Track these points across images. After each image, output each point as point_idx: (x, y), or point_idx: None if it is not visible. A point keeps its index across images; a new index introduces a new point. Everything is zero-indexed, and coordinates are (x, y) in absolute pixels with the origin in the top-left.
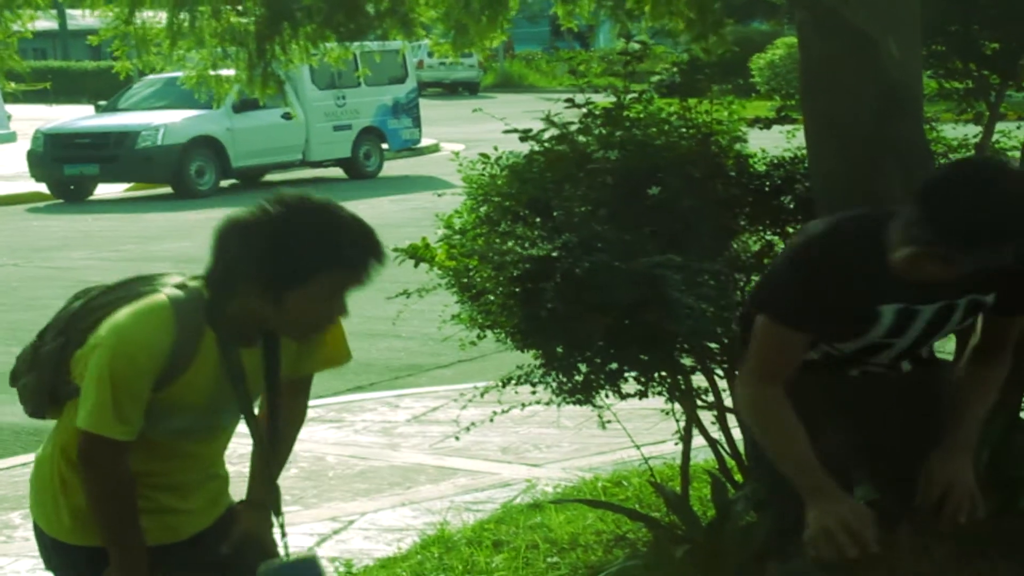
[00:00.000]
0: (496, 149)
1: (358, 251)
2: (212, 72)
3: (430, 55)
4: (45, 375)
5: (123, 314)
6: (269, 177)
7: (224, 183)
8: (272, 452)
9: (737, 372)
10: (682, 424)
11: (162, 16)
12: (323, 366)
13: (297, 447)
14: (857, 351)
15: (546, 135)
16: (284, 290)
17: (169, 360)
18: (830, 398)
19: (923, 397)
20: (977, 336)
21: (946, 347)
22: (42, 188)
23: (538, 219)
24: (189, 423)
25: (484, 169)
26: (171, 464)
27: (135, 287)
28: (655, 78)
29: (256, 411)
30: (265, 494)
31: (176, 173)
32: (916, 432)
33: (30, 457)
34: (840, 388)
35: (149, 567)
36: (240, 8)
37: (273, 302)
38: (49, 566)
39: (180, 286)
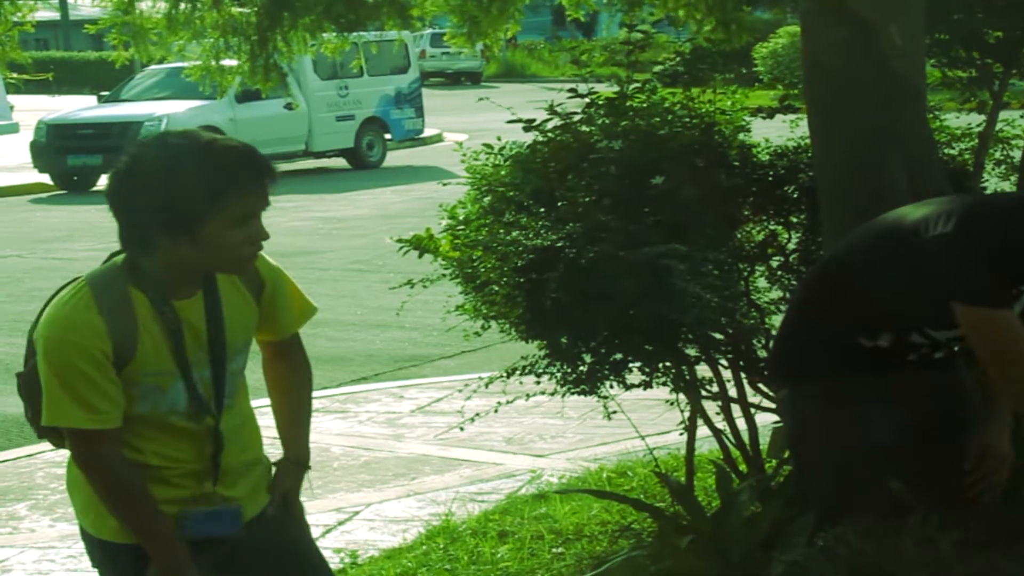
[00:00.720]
0: (499, 139)
1: (252, 169)
2: (215, 63)
3: (432, 45)
4: (39, 401)
5: (48, 309)
6: None
7: None
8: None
9: (768, 360)
10: (687, 414)
11: (162, 6)
12: (299, 321)
13: None
14: (952, 338)
15: (549, 125)
16: (197, 225)
17: (111, 336)
18: (886, 386)
19: (959, 382)
20: None
21: None
22: (45, 179)
23: (542, 209)
24: (176, 392)
25: (488, 159)
26: (197, 446)
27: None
28: (658, 68)
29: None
30: (300, 449)
31: None
32: (954, 416)
33: (34, 448)
34: (897, 375)
35: (198, 554)
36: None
37: (191, 241)
38: (95, 564)
39: (102, 265)
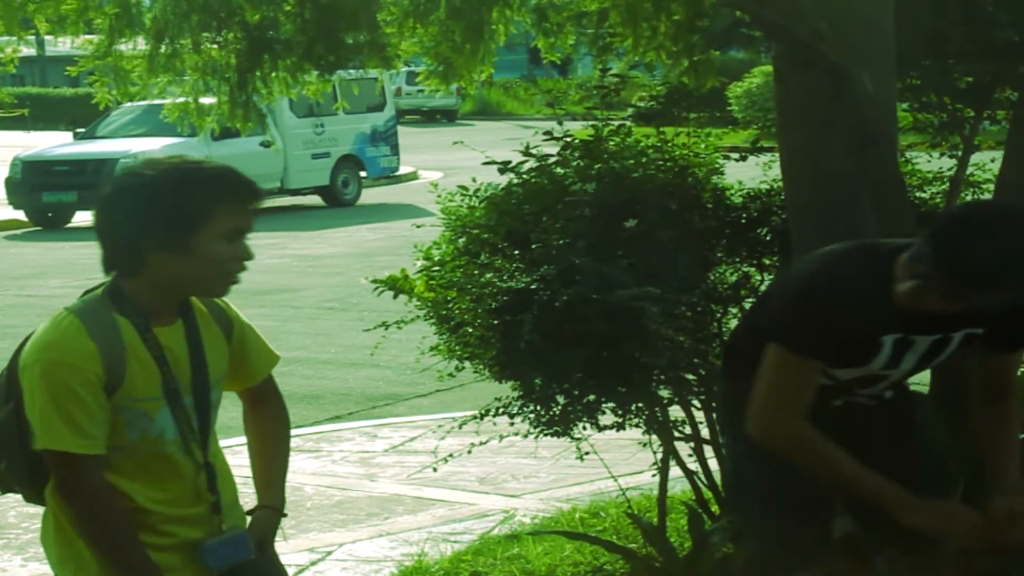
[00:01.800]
0: (474, 180)
1: (242, 185)
2: (193, 104)
3: (408, 82)
4: (16, 451)
5: (35, 336)
6: None
7: None
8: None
9: (716, 406)
10: (659, 455)
11: (141, 45)
12: (268, 366)
13: None
14: (852, 380)
15: (525, 167)
16: (189, 236)
17: (103, 360)
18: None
19: (901, 425)
20: (982, 377)
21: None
22: (20, 215)
23: (516, 251)
24: (164, 418)
25: (463, 201)
26: (177, 486)
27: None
28: (631, 109)
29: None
30: (276, 495)
31: None
32: (893, 458)
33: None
34: (823, 419)
35: None
36: (220, 41)
37: (184, 255)
38: None
39: (80, 299)
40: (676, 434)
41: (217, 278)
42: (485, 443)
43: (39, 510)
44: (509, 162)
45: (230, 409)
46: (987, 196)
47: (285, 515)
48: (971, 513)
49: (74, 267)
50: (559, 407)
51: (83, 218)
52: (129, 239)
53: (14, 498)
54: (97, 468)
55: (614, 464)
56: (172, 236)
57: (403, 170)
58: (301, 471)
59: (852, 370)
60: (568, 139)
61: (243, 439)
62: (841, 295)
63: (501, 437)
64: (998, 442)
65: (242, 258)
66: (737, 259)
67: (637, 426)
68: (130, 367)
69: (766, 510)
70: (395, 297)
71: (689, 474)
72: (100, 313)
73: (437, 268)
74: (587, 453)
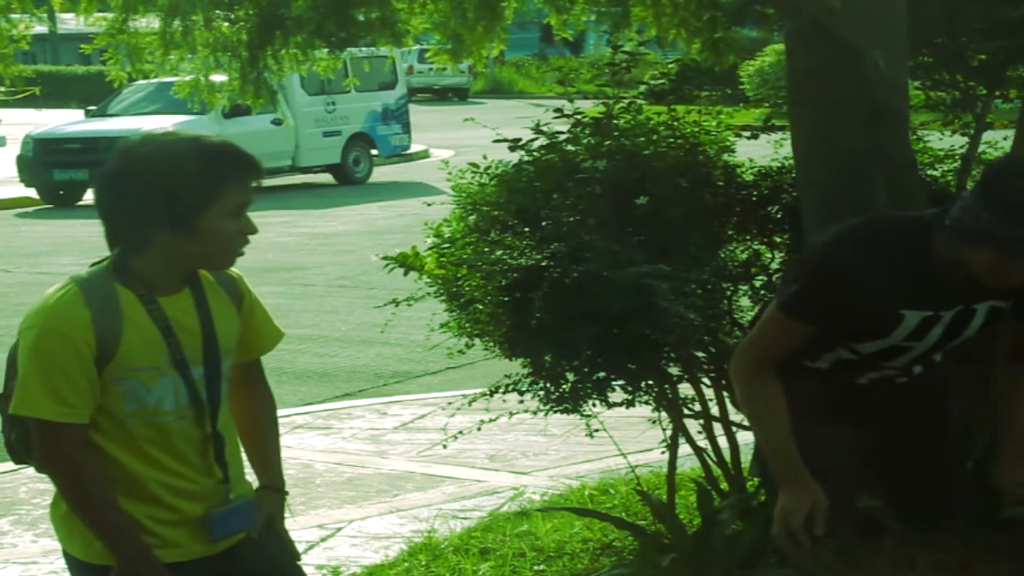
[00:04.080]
0: (485, 158)
1: (244, 160)
2: (204, 81)
3: (420, 61)
4: (19, 426)
5: (33, 306)
6: None
7: None
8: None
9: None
10: (668, 433)
11: (155, 23)
12: (271, 342)
13: (285, 454)
14: (875, 353)
15: (535, 144)
16: (196, 216)
17: (95, 327)
18: (838, 406)
19: (931, 401)
20: (1009, 341)
21: None
22: (31, 193)
23: (527, 228)
24: (162, 388)
25: (473, 178)
26: (188, 459)
27: None
28: (643, 87)
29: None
30: (276, 475)
31: None
32: (921, 436)
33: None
34: (849, 396)
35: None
36: (232, 17)
37: (188, 234)
38: None
39: (83, 272)
40: (686, 411)
41: (223, 254)
42: (495, 420)
43: (50, 486)
44: (520, 140)
45: None
46: None
47: (287, 493)
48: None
49: (85, 245)
50: (569, 384)
51: None
52: (133, 220)
53: (25, 474)
54: (76, 437)
55: (623, 441)
56: (177, 217)
57: (414, 148)
58: (311, 448)
59: (874, 343)
60: (579, 117)
61: None
62: (852, 269)
63: (511, 414)
64: (1011, 400)
65: (247, 232)
66: (748, 237)
67: (647, 403)
68: (127, 337)
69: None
70: (405, 274)
71: (698, 451)
72: (101, 283)
73: (447, 245)
74: (597, 430)
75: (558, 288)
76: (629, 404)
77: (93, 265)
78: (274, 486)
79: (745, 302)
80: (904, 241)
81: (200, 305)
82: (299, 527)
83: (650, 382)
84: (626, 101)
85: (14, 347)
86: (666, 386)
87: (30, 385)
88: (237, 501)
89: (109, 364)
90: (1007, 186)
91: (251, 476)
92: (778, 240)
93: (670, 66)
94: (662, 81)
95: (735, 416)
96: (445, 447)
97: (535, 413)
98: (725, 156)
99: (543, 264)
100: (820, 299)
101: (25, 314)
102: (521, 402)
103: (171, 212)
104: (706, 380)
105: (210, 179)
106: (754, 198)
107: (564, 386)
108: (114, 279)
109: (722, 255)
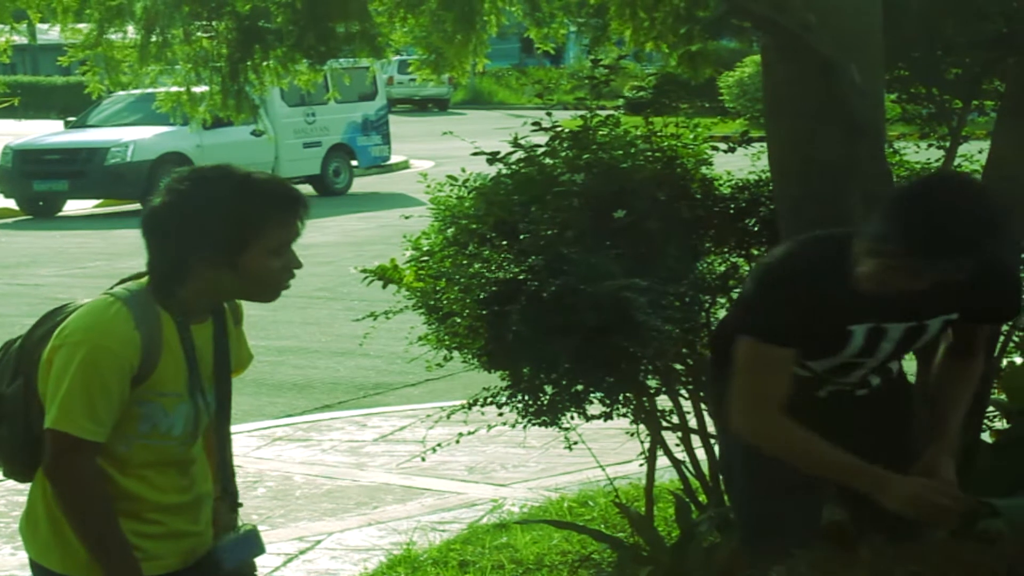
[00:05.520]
0: (464, 171)
1: (291, 201)
2: (186, 95)
3: (400, 71)
4: (18, 425)
5: (79, 315)
6: None
7: None
8: (222, 436)
9: (704, 396)
10: (647, 445)
11: (132, 34)
12: (245, 364)
13: (264, 466)
14: (828, 370)
15: (513, 158)
16: (239, 255)
17: (143, 351)
18: (799, 420)
19: (892, 412)
20: (949, 338)
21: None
22: (11, 204)
23: (505, 241)
24: (178, 415)
25: (452, 191)
26: (173, 477)
27: (71, 307)
28: (621, 100)
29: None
30: (231, 485)
31: (146, 190)
32: (886, 447)
33: (7, 483)
34: (808, 409)
35: None
36: (212, 31)
37: (231, 270)
38: None
39: (121, 286)
40: (664, 424)
41: (265, 289)
42: (474, 432)
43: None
44: (498, 153)
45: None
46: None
47: (240, 504)
48: (954, 487)
49: (65, 255)
50: (547, 397)
51: (74, 207)
52: (175, 255)
53: (4, 487)
54: (93, 453)
55: (602, 454)
56: (220, 255)
57: (394, 159)
58: (291, 460)
59: (826, 360)
60: (557, 129)
61: None
62: (799, 278)
63: (490, 427)
64: (947, 393)
65: (291, 268)
66: (725, 249)
67: (625, 416)
68: (163, 361)
69: (753, 497)
70: (384, 287)
71: (676, 463)
72: (146, 304)
73: (426, 258)
74: (575, 443)
75: (536, 301)
76: (607, 417)
77: (123, 281)
78: (231, 497)
79: (723, 314)
80: (842, 256)
81: (218, 334)
82: (278, 540)
83: (628, 395)
84: (604, 114)
85: (15, 349)
86: (644, 399)
87: (73, 402)
88: (243, 531)
89: (141, 386)
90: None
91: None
92: (756, 253)
93: (649, 78)
94: (641, 93)
95: (713, 428)
96: (424, 459)
97: (514, 426)
98: (703, 169)
99: (521, 277)
100: (776, 318)
101: (68, 327)
102: (500, 414)
103: (212, 249)
104: (684, 392)
105: (251, 218)
106: (732, 211)
107: (543, 399)
108: (156, 303)
109: (700, 268)
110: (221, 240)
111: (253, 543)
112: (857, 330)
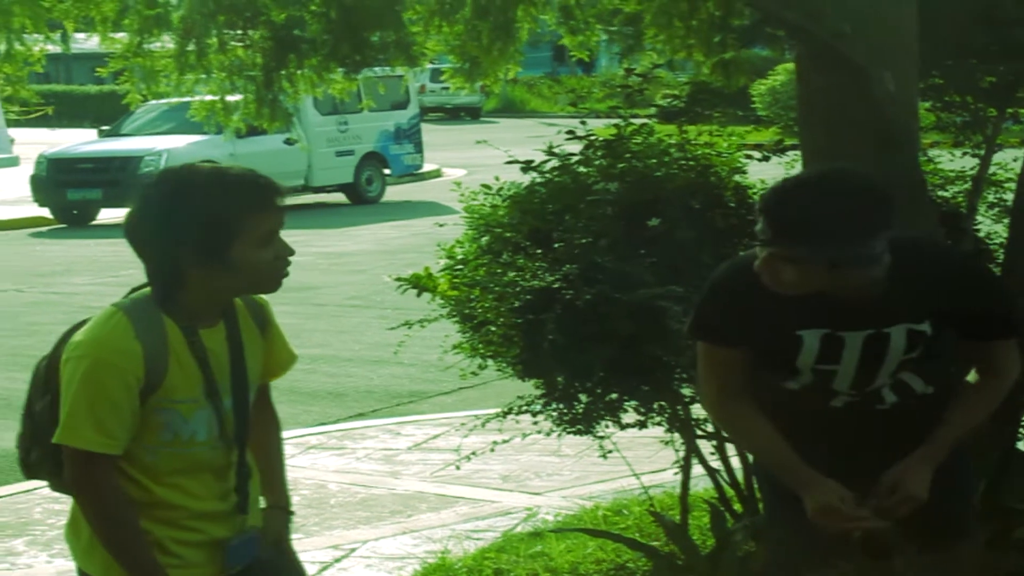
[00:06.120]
0: (497, 179)
1: (264, 188)
2: (220, 103)
3: (432, 80)
4: (48, 442)
5: (84, 329)
6: None
7: None
8: (245, 443)
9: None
10: (681, 453)
11: (169, 44)
12: (287, 366)
13: (299, 474)
14: (807, 386)
15: (547, 166)
16: (225, 249)
17: (146, 362)
18: (814, 427)
19: (913, 430)
20: (964, 359)
21: None
22: (45, 213)
23: (539, 250)
24: (198, 420)
25: (485, 199)
26: (209, 483)
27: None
28: (653, 108)
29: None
30: (282, 495)
31: None
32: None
33: (32, 484)
34: (823, 418)
35: None
36: (247, 40)
37: (222, 267)
38: None
39: (127, 297)
40: (698, 432)
41: (262, 281)
42: (508, 441)
43: (65, 506)
44: (532, 161)
45: None
46: (1009, 195)
47: (293, 513)
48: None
49: (99, 264)
50: (582, 405)
51: (108, 215)
52: (164, 262)
53: (40, 495)
54: (111, 467)
55: (636, 462)
56: (206, 255)
57: (427, 168)
58: (325, 468)
59: (785, 372)
60: (591, 138)
61: None
62: (738, 280)
63: (524, 435)
64: (952, 405)
65: (283, 256)
66: None
67: (659, 424)
68: (171, 369)
69: (778, 510)
70: (419, 295)
71: (711, 472)
72: (148, 313)
73: (460, 266)
74: (610, 451)
75: (570, 310)
76: (642, 425)
77: (131, 292)
78: (280, 506)
79: None
80: None
81: (232, 337)
82: (313, 548)
83: (663, 403)
84: (638, 123)
85: (43, 366)
86: (679, 407)
87: (78, 416)
88: (251, 531)
89: (153, 395)
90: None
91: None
92: None
93: (683, 87)
94: (674, 101)
95: None
96: (458, 468)
97: (548, 434)
98: (736, 177)
99: (555, 286)
100: (712, 319)
101: (72, 342)
102: (535, 423)
103: (196, 250)
104: None
105: (228, 213)
106: None
107: (577, 407)
108: (159, 310)
109: None
110: (202, 240)
111: (255, 545)
112: (807, 335)
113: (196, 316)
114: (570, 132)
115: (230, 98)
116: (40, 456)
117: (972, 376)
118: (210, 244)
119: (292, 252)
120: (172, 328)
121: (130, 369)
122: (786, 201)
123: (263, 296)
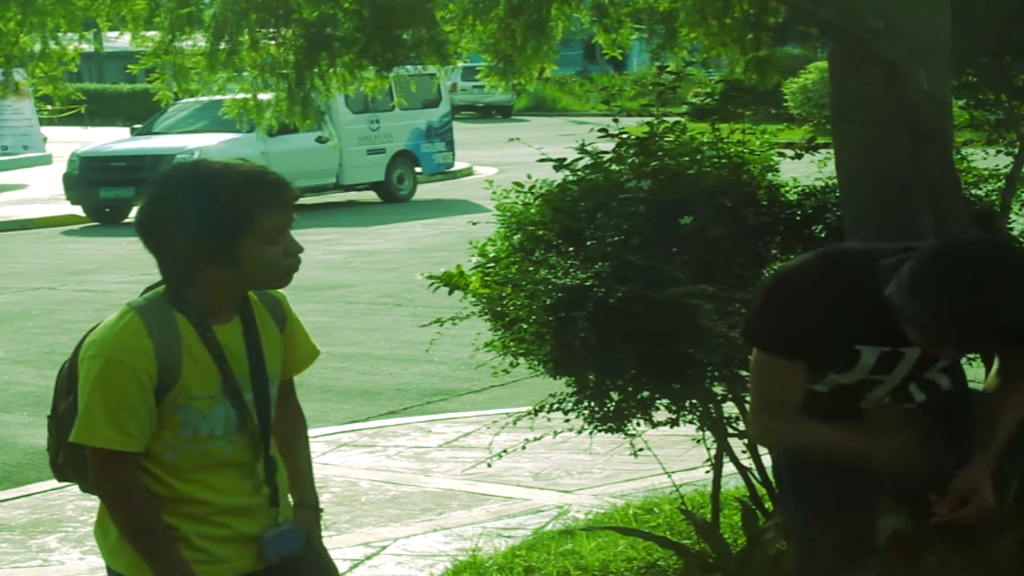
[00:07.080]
0: (529, 177)
1: (271, 184)
2: (252, 101)
3: (464, 78)
4: (71, 445)
5: (98, 328)
6: (303, 200)
7: None
8: (267, 439)
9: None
10: (713, 452)
11: (201, 42)
12: (308, 361)
13: (330, 472)
14: (848, 386)
15: (579, 164)
16: (233, 248)
17: (158, 359)
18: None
19: (941, 425)
20: (997, 363)
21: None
22: (77, 211)
23: (571, 248)
24: (216, 417)
25: (517, 197)
26: (234, 479)
27: None
28: (685, 107)
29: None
30: (310, 493)
31: None
32: (936, 459)
33: (74, 488)
34: (854, 418)
35: None
36: (279, 38)
37: (231, 264)
38: None
39: (142, 296)
40: (730, 430)
41: (271, 277)
42: (539, 439)
43: (96, 504)
44: (564, 159)
45: None
46: None
47: (322, 510)
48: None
49: (131, 262)
50: (613, 403)
51: None
52: (175, 259)
53: (72, 492)
54: (131, 464)
55: (668, 460)
56: (215, 251)
57: (458, 166)
58: (356, 466)
59: (841, 376)
60: (623, 136)
61: None
62: (805, 293)
63: (555, 433)
64: (999, 410)
65: (292, 253)
66: (791, 256)
67: (691, 422)
68: (186, 366)
69: (801, 512)
70: (450, 293)
71: (742, 470)
72: (161, 312)
73: (492, 264)
74: (641, 449)
75: (602, 308)
76: (673, 423)
77: (147, 290)
78: (309, 503)
79: None
80: (858, 277)
81: (248, 332)
82: (344, 545)
83: (694, 401)
84: (670, 121)
85: (66, 367)
86: (710, 405)
87: (94, 415)
88: (286, 524)
89: (169, 393)
90: (934, 278)
91: None
92: None
93: (716, 84)
94: (706, 100)
95: None
96: (489, 465)
97: (579, 432)
98: (769, 175)
99: (587, 284)
100: (783, 329)
101: (86, 342)
102: (566, 421)
103: (206, 246)
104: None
105: (234, 210)
106: (798, 217)
107: (608, 405)
108: (172, 306)
109: (766, 274)
110: (210, 236)
111: (294, 538)
112: (865, 351)
113: (208, 312)
114: (603, 130)
115: (262, 96)
116: (66, 457)
117: (991, 380)
118: (219, 240)
119: (301, 249)
120: (185, 325)
121: (142, 367)
122: (955, 305)
123: (280, 291)
